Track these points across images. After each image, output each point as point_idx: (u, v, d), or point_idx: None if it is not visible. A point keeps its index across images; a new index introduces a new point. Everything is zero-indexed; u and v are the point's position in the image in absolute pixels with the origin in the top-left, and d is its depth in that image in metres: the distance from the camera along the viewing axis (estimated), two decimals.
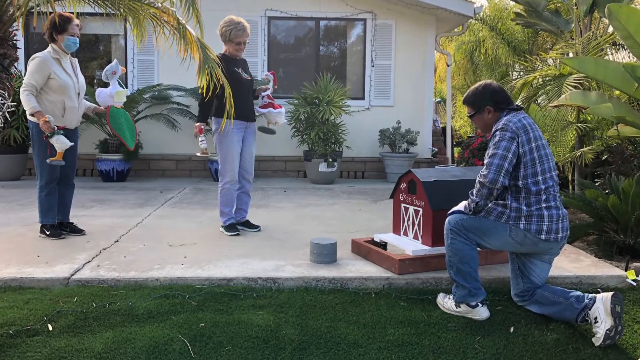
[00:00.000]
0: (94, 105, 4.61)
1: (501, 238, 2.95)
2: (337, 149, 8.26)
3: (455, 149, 10.91)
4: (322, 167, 7.99)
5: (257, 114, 4.74)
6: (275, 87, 4.95)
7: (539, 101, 6.34)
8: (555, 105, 4.65)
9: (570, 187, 6.36)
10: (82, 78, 4.46)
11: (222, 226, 4.63)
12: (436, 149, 9.51)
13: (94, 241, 4.26)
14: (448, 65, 9.60)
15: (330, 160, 7.96)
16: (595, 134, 6.09)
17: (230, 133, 4.45)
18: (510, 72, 11.34)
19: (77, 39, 4.27)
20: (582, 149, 5.27)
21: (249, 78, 4.62)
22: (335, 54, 9.20)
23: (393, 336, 2.70)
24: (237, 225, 4.69)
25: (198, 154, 4.55)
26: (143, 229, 4.73)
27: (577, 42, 5.98)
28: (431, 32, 8.96)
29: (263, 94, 4.77)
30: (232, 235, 4.52)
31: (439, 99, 14.93)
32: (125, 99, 4.46)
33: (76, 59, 4.49)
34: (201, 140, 4.51)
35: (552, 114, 5.30)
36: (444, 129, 10.49)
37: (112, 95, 4.37)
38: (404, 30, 8.94)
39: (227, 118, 4.15)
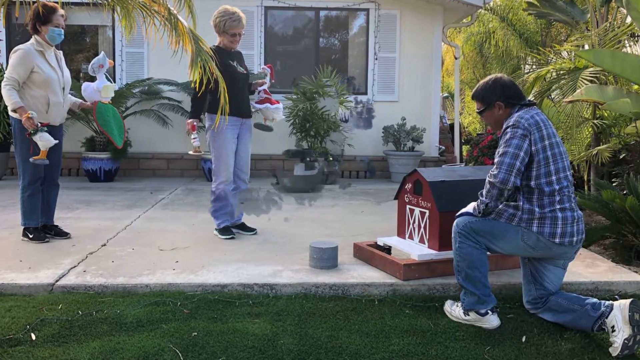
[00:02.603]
0: (80, 100, 4.63)
1: (512, 242, 2.95)
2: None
3: (464, 147, 10.91)
4: None
5: (253, 110, 4.74)
6: (273, 81, 4.94)
7: (552, 96, 6.35)
8: (570, 101, 4.66)
9: (585, 187, 6.36)
10: (67, 72, 4.46)
11: (216, 229, 4.63)
12: (443, 147, 9.50)
13: (80, 245, 4.26)
14: (456, 58, 9.60)
15: (331, 159, 7.97)
16: (612, 131, 6.09)
17: (225, 130, 4.44)
18: (522, 66, 11.34)
19: (62, 31, 4.27)
20: (599, 147, 5.27)
21: (245, 72, 4.61)
22: (336, 47, 9.20)
23: (397, 346, 2.70)
24: (232, 228, 4.69)
25: (191, 153, 4.56)
26: (132, 232, 4.74)
27: (593, 34, 5.98)
28: (438, 23, 8.95)
29: (259, 88, 4.77)
30: (226, 238, 4.53)
31: (446, 94, 14.91)
32: (113, 94, 4.48)
33: (61, 52, 4.49)
34: (194, 138, 4.49)
35: (566, 110, 5.31)
36: (451, 126, 10.48)
37: (99, 90, 4.39)
38: (409, 21, 8.93)
39: (221, 114, 4.15)
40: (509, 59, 11.54)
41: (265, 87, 4.77)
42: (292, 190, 6.66)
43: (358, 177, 8.91)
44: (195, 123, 4.49)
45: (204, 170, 8.27)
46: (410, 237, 3.77)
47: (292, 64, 9.01)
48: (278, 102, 4.80)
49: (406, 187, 3.77)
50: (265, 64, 4.99)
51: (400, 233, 3.86)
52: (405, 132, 8.42)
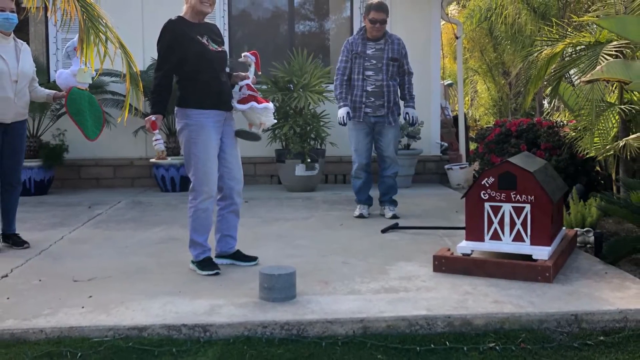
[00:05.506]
0: (53, 91, 4.79)
1: None
2: (319, 147, 7.92)
3: (472, 144, 10.57)
4: (299, 169, 7.62)
5: (234, 111, 4.24)
6: (260, 73, 4.43)
7: (571, 77, 6.05)
8: (588, 81, 4.33)
9: (614, 188, 6.05)
10: (26, 64, 4.62)
11: (194, 262, 4.11)
12: (446, 144, 9.22)
13: None
14: (457, 37, 9.30)
15: (309, 160, 7.61)
16: None
17: (207, 128, 3.97)
18: (539, 44, 10.84)
19: (11, 14, 4.43)
20: (627, 138, 4.94)
21: (219, 49, 4.12)
22: (314, 27, 8.91)
23: None
24: (223, 258, 4.23)
25: (153, 160, 4.21)
26: (46, 259, 4.43)
27: (618, 1, 5.69)
28: None
29: (241, 83, 4.22)
30: (208, 274, 3.99)
31: (449, 81, 14.51)
32: (90, 80, 4.53)
33: (25, 43, 4.70)
34: (156, 139, 3.97)
35: (584, 92, 4.98)
36: (455, 119, 10.21)
37: (75, 74, 4.43)
38: None
39: (200, 108, 3.84)
40: (522, 37, 11.03)
41: (248, 81, 4.22)
42: None
43: (345, 182, 8.58)
44: (154, 119, 3.93)
45: (157, 178, 7.91)
46: (495, 238, 3.85)
47: (263, 49, 8.66)
48: (267, 101, 4.26)
49: (484, 182, 3.83)
50: (248, 51, 4.35)
51: (477, 236, 3.89)
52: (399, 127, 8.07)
